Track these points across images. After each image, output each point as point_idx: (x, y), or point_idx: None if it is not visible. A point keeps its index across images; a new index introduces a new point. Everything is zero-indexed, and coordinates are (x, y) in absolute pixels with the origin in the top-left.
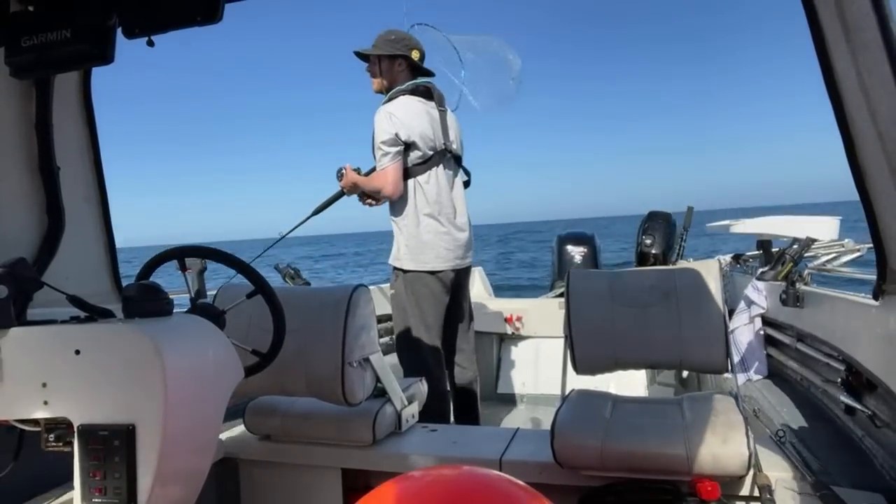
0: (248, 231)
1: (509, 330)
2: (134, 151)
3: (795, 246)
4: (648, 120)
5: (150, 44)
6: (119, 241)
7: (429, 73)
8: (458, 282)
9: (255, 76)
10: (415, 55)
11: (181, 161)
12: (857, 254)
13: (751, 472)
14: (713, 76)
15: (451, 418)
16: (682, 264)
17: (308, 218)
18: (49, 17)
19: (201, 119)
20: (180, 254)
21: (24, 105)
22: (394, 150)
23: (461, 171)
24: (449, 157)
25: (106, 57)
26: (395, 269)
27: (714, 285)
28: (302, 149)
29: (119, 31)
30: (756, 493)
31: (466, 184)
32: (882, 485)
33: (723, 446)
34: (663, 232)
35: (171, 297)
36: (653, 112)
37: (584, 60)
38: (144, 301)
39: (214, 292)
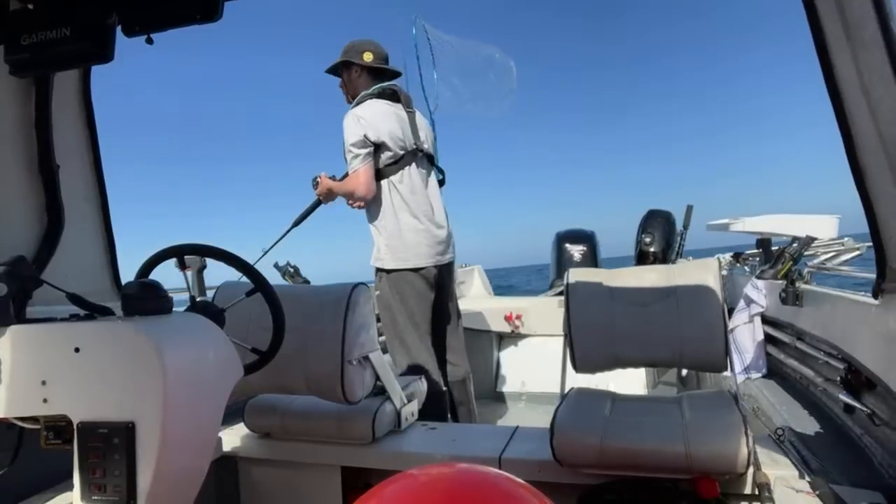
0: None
1: (509, 328)
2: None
3: (795, 244)
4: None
5: (149, 41)
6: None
7: (394, 74)
8: (441, 278)
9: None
10: (366, 57)
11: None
12: (857, 252)
13: (750, 471)
14: (713, 96)
15: (448, 416)
16: (681, 263)
17: (289, 230)
18: (48, 15)
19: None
20: (180, 252)
21: (24, 104)
22: (363, 151)
23: (435, 170)
24: (421, 157)
25: (106, 55)
26: (377, 270)
27: (714, 284)
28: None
29: (119, 29)
30: (755, 492)
31: (441, 182)
32: (881, 483)
33: (722, 444)
34: (663, 230)
35: (170, 295)
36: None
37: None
38: (144, 299)
39: (214, 290)
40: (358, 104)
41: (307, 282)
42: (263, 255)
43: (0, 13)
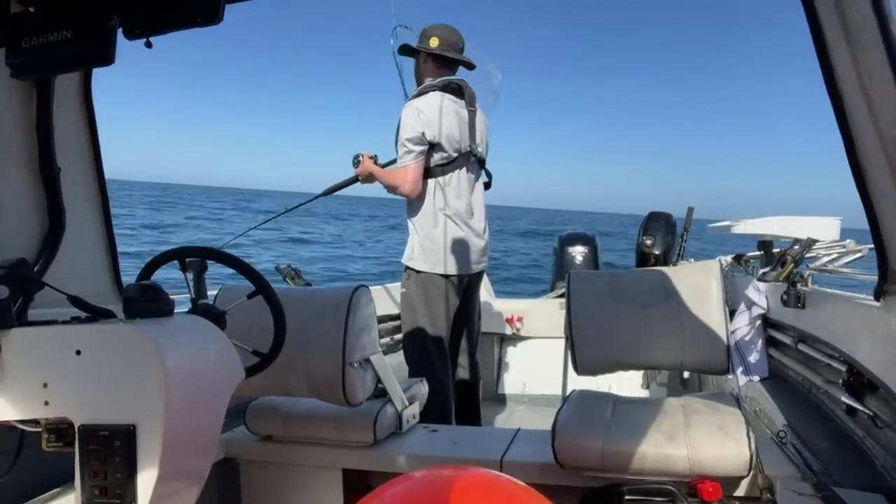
0: (276, 182)
1: (510, 330)
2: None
3: (796, 246)
4: (645, 125)
5: (149, 45)
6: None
7: (466, 64)
8: (469, 286)
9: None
10: (432, 43)
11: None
12: (859, 254)
13: (752, 473)
14: (722, 83)
15: (453, 419)
16: (682, 265)
17: (315, 198)
18: (49, 17)
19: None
20: (181, 254)
21: (25, 106)
22: (418, 148)
23: (483, 172)
24: (473, 160)
25: (106, 58)
26: (407, 268)
27: (715, 286)
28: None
29: (119, 31)
30: (757, 494)
31: (487, 185)
32: (883, 485)
33: (724, 447)
34: (664, 232)
35: (171, 297)
36: (651, 118)
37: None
38: (145, 301)
39: (215, 293)
40: (420, 94)
41: (308, 284)
42: (285, 212)
43: (1, 16)
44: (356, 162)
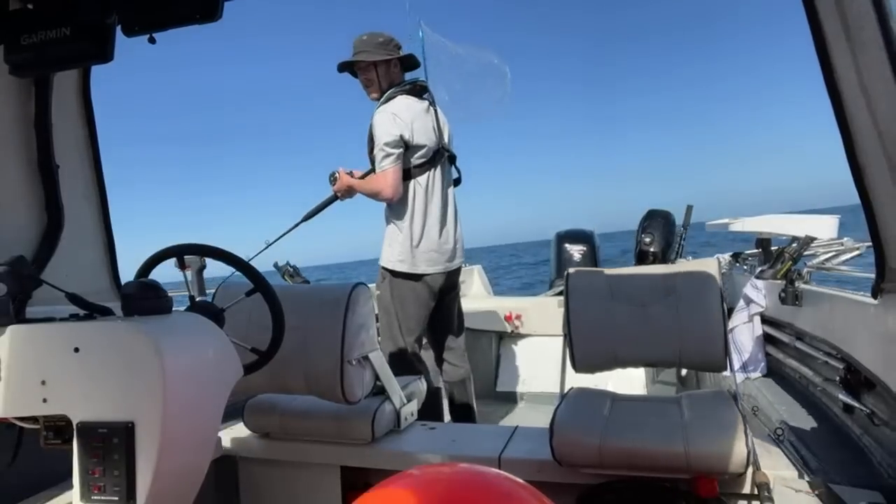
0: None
1: (508, 328)
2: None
3: (794, 244)
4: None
5: (152, 41)
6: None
7: (416, 64)
8: (447, 284)
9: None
10: (399, 50)
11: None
12: (857, 252)
13: (749, 470)
14: (713, 84)
15: (448, 416)
16: (681, 262)
17: (298, 224)
18: (48, 15)
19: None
20: (179, 252)
21: (24, 103)
22: (396, 151)
23: (454, 170)
24: (445, 158)
25: (105, 55)
26: (382, 269)
27: (713, 284)
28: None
29: (118, 29)
30: (754, 491)
31: (457, 181)
32: (880, 482)
33: (721, 444)
34: (662, 230)
35: (170, 295)
36: (645, 125)
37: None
38: (143, 299)
39: (213, 290)
40: (388, 100)
41: (307, 281)
42: (267, 248)
43: (0, 13)
44: (332, 179)
